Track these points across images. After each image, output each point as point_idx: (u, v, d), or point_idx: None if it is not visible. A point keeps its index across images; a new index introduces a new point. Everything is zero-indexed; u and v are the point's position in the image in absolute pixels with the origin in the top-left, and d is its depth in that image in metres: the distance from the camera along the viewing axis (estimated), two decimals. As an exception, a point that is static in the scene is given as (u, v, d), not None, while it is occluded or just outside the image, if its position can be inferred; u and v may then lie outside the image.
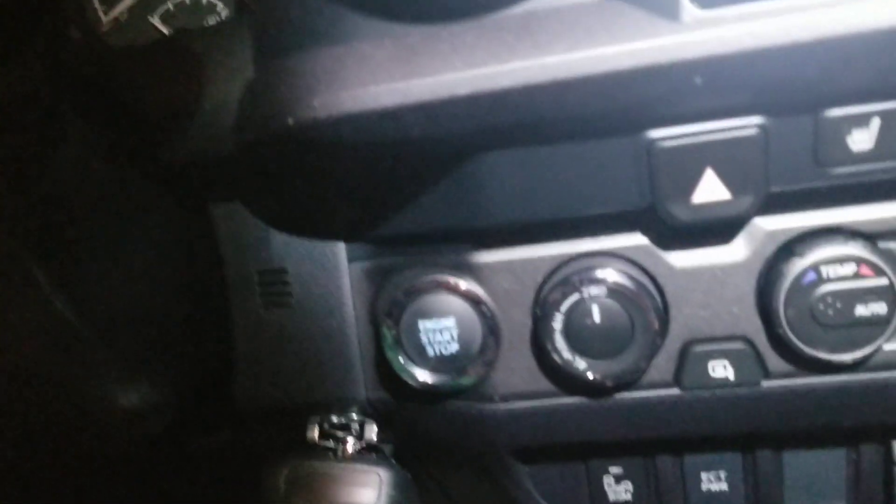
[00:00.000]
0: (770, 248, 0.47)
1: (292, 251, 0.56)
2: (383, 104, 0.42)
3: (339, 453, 0.63)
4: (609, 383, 0.49)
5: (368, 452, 0.63)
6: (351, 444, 0.63)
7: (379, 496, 0.61)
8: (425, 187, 0.49)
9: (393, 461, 0.63)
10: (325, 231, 0.55)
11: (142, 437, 0.60)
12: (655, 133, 0.44)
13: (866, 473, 0.56)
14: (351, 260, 0.56)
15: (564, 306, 0.48)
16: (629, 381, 0.50)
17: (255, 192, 0.56)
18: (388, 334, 0.52)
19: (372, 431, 0.62)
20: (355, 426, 0.63)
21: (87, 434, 0.59)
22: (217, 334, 0.60)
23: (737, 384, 0.49)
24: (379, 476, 0.61)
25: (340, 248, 0.56)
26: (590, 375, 0.49)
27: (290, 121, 0.45)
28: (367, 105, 0.43)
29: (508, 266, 0.51)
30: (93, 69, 0.55)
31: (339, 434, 0.63)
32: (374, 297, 0.55)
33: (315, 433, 0.63)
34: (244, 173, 0.54)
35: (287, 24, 0.47)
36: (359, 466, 0.62)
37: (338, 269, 0.56)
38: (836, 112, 0.42)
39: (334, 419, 0.63)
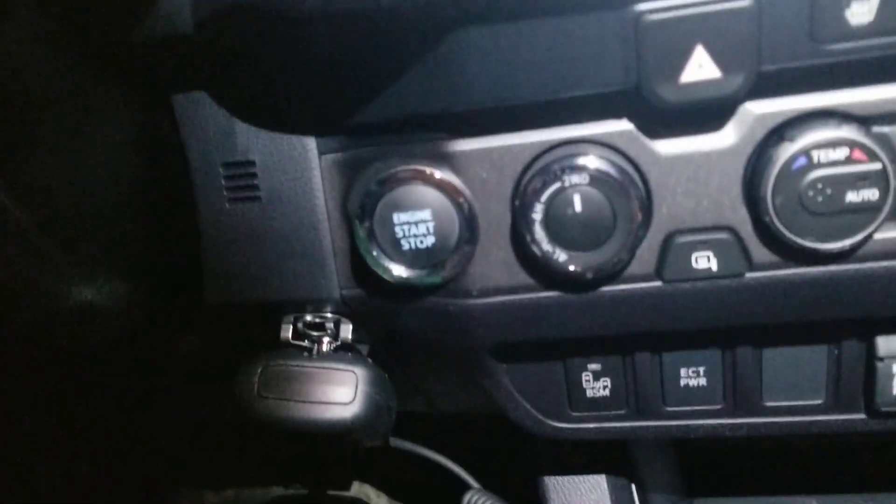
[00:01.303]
0: (759, 133, 0.45)
1: (259, 142, 0.53)
2: None
3: (314, 352, 0.62)
4: (589, 275, 0.48)
5: (343, 352, 0.62)
6: (326, 344, 0.62)
7: (355, 394, 0.60)
8: (398, 68, 0.46)
9: (369, 360, 0.62)
10: (294, 121, 0.53)
11: (110, 335, 0.59)
12: (643, 6, 0.41)
13: (847, 369, 0.56)
14: (322, 152, 0.53)
15: (545, 196, 0.46)
16: (610, 273, 0.48)
17: (218, 79, 0.52)
18: (360, 228, 0.50)
19: (347, 331, 0.61)
20: (330, 325, 0.62)
21: (52, 332, 0.57)
22: (183, 230, 0.58)
23: (720, 276, 0.48)
24: (355, 374, 0.60)
25: (310, 140, 0.53)
26: (570, 267, 0.47)
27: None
28: None
29: (486, 154, 0.48)
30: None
31: (314, 333, 0.62)
32: (346, 191, 0.53)
33: (289, 332, 0.62)
34: (205, 56, 0.50)
35: None
36: (334, 365, 0.61)
37: (308, 160, 0.53)
38: (836, -19, 0.39)
39: (308, 318, 0.61)
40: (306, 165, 0.53)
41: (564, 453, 0.76)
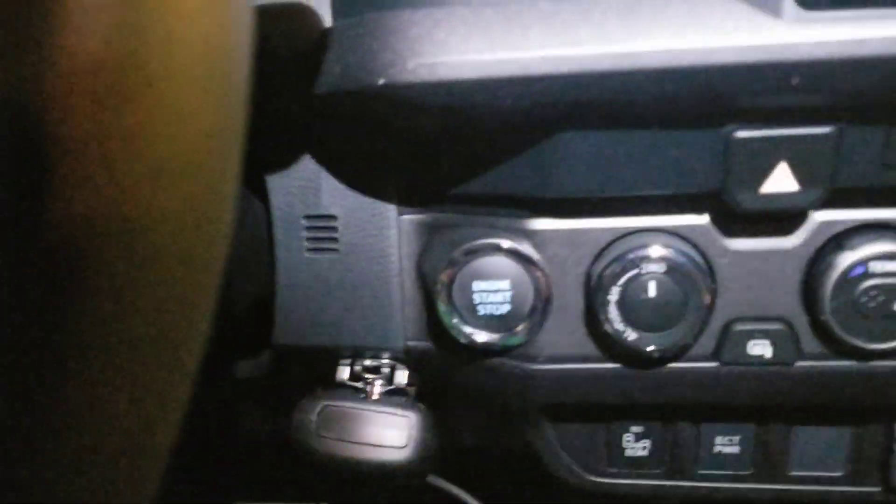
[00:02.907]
0: (820, 239, 0.50)
1: (342, 198, 0.57)
2: (480, 74, 0.43)
3: (370, 395, 0.65)
4: (656, 355, 0.52)
5: (397, 396, 0.65)
6: (378, 386, 0.66)
7: (408, 438, 0.63)
8: (498, 155, 0.50)
9: (421, 405, 0.65)
10: (379, 182, 0.56)
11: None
12: (735, 126, 0.45)
13: (867, 448, 0.61)
14: (401, 212, 0.56)
15: (622, 280, 0.50)
16: (676, 353, 0.52)
17: (313, 136, 0.56)
18: (441, 291, 0.54)
19: (402, 376, 0.64)
20: (385, 370, 0.65)
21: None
22: (261, 275, 0.61)
23: (773, 362, 0.52)
24: (408, 418, 0.64)
25: (392, 200, 0.56)
26: (639, 346, 0.51)
27: (381, 80, 0.45)
28: (463, 74, 0.43)
29: (566, 235, 0.52)
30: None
31: (368, 377, 0.65)
32: (421, 250, 0.56)
33: (345, 374, 0.65)
34: (311, 121, 0.54)
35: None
36: (389, 409, 0.64)
37: (387, 219, 0.56)
38: (911, 119, 0.44)
39: (367, 362, 0.65)
40: (385, 223, 0.57)
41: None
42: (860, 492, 0.62)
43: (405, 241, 0.57)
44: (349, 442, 0.64)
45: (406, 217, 0.56)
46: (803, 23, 0.40)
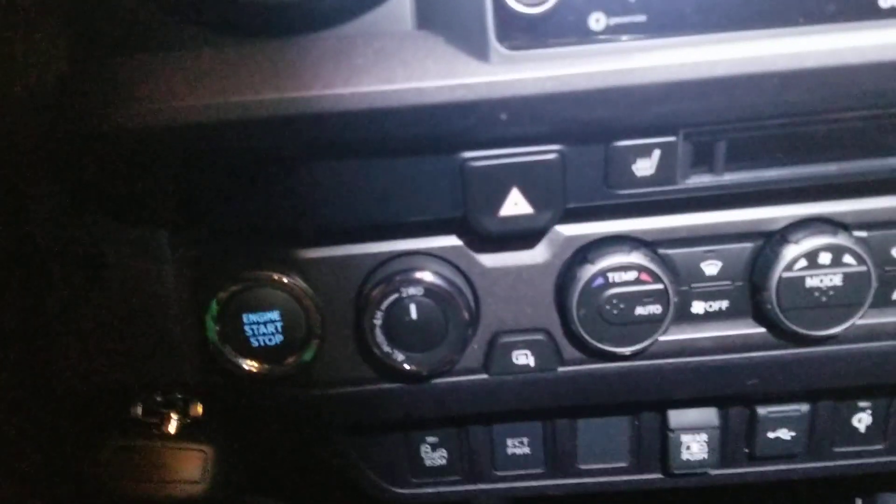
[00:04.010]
0: (567, 252, 0.53)
1: (111, 233, 0.56)
2: (195, 119, 0.43)
3: (163, 430, 0.64)
4: (425, 372, 0.54)
5: (193, 428, 0.65)
6: (175, 420, 0.65)
7: (204, 473, 0.63)
8: (247, 189, 0.50)
9: (218, 437, 0.65)
10: (147, 220, 0.55)
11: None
12: (468, 154, 0.47)
13: (646, 438, 0.65)
14: (174, 247, 0.56)
15: (384, 304, 0.52)
16: (443, 370, 0.54)
17: (70, 176, 0.54)
18: (212, 326, 0.54)
19: (197, 409, 0.64)
20: (180, 403, 0.65)
21: None
22: (33, 315, 0.59)
23: (537, 370, 0.55)
24: (204, 453, 0.63)
25: (162, 235, 0.56)
26: (407, 367, 0.53)
27: (105, 126, 0.44)
28: (178, 119, 0.43)
29: (332, 262, 0.53)
30: None
31: (164, 411, 0.65)
32: (197, 285, 0.56)
33: (139, 410, 0.64)
34: (58, 159, 0.52)
35: (107, 23, 0.46)
36: (184, 444, 0.64)
37: (160, 255, 0.56)
38: (624, 143, 0.47)
39: (159, 398, 0.64)
40: (158, 260, 0.56)
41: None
42: (643, 479, 0.67)
43: (180, 278, 0.56)
44: (145, 481, 0.63)
45: (179, 252, 0.56)
46: (507, 63, 0.42)
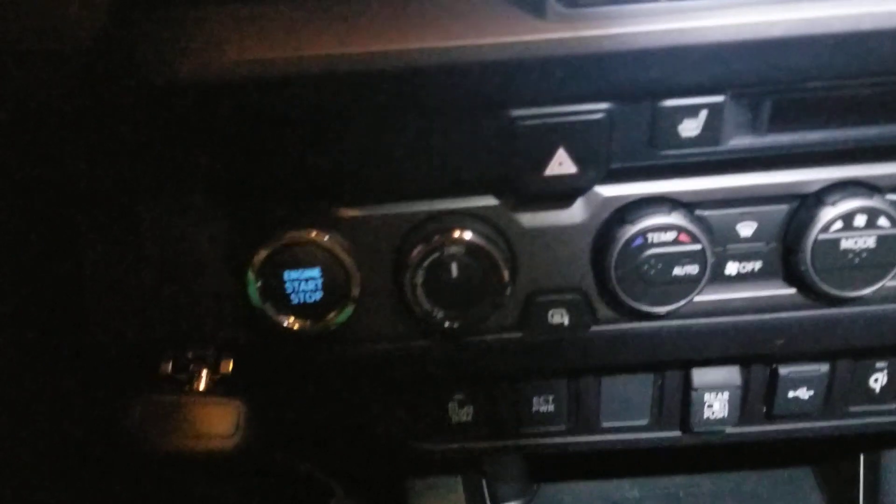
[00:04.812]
0: (605, 213, 0.53)
1: (149, 189, 0.55)
2: (259, 74, 0.43)
3: (193, 386, 0.65)
4: (463, 330, 0.54)
5: (224, 385, 0.65)
6: (204, 376, 0.65)
7: (237, 427, 0.64)
8: (303, 146, 0.50)
9: (249, 392, 0.65)
10: (187, 176, 0.55)
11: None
12: (516, 112, 0.47)
13: (668, 396, 0.66)
14: (213, 204, 0.56)
15: (426, 263, 0.52)
16: (482, 328, 0.55)
17: (112, 131, 0.54)
18: (253, 282, 0.54)
19: (227, 365, 0.65)
20: (210, 360, 0.65)
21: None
22: (68, 273, 0.59)
23: (571, 329, 0.56)
24: (234, 407, 0.64)
25: (201, 192, 0.56)
26: (446, 324, 0.54)
27: (158, 80, 0.44)
28: (242, 75, 0.43)
29: (373, 221, 0.54)
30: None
31: (194, 368, 0.65)
32: (236, 243, 0.56)
33: (169, 367, 0.65)
34: (96, 115, 0.52)
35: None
36: (216, 398, 0.64)
37: (198, 212, 0.56)
38: (672, 103, 0.47)
39: (191, 354, 0.64)
40: (195, 217, 0.56)
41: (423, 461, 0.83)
42: (663, 436, 0.68)
43: (217, 233, 0.56)
44: (178, 436, 0.63)
45: (217, 210, 0.56)
46: (564, 21, 0.42)
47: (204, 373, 0.65)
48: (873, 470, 0.85)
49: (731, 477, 0.92)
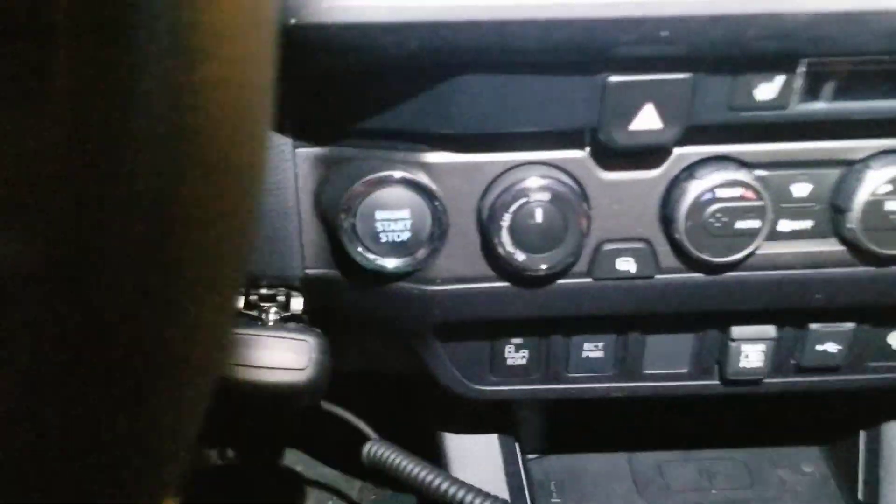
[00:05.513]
0: (675, 170, 0.58)
1: None
2: (390, 19, 0.47)
3: (263, 321, 0.69)
4: (541, 273, 0.59)
5: (293, 322, 0.69)
6: (273, 313, 0.69)
7: (308, 360, 0.68)
8: (399, 93, 0.54)
9: (317, 329, 0.69)
10: (275, 118, 0.58)
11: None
12: (611, 70, 0.52)
13: (707, 347, 0.72)
14: (297, 146, 0.59)
15: (513, 207, 0.57)
16: (558, 271, 0.59)
17: None
18: (345, 221, 0.58)
19: (298, 303, 0.68)
20: (281, 298, 0.69)
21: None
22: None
23: (636, 276, 0.61)
24: (307, 342, 0.68)
25: (288, 132, 0.59)
26: (528, 266, 0.58)
27: (293, 20, 0.47)
28: (375, 17, 0.47)
29: (461, 167, 0.58)
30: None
31: (264, 305, 0.69)
32: (319, 183, 0.60)
33: (240, 303, 0.68)
34: None
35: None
36: (288, 333, 0.68)
37: (283, 153, 0.59)
38: (752, 69, 0.52)
39: (262, 291, 0.68)
40: (281, 157, 0.60)
41: (462, 415, 0.88)
42: (701, 384, 0.74)
43: (301, 174, 0.60)
44: (249, 366, 0.67)
45: (301, 150, 0.59)
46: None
47: (273, 310, 0.69)
48: (873, 444, 0.91)
49: (742, 452, 0.98)
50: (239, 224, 0.30)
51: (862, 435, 0.92)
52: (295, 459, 1.10)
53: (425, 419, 0.91)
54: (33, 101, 0.25)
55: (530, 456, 0.95)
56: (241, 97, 0.28)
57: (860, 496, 0.92)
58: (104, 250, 0.26)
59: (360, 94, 0.55)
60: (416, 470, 0.79)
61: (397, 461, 0.82)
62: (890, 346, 0.73)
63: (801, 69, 0.52)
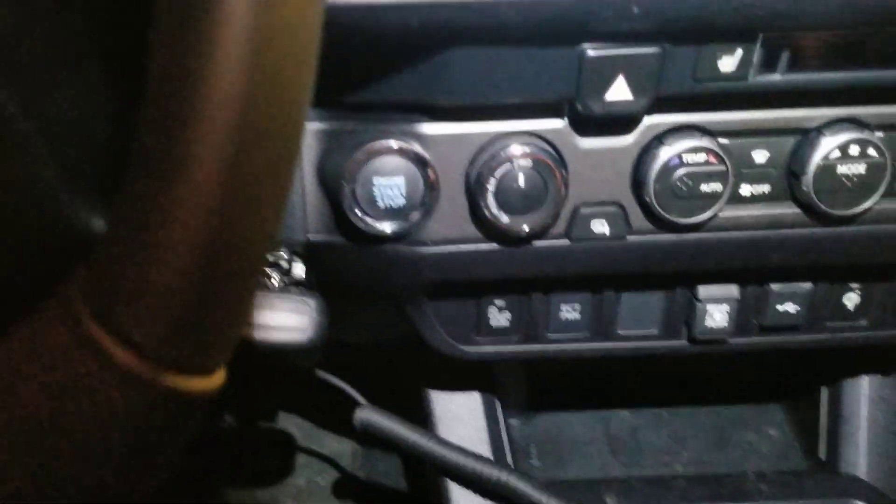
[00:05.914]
0: (646, 138, 0.64)
1: None
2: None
3: (269, 286, 0.73)
4: (523, 234, 0.64)
5: (294, 286, 0.74)
6: (276, 279, 0.74)
7: (310, 322, 0.72)
8: (394, 67, 0.59)
9: (316, 293, 0.74)
10: None
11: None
12: (587, 45, 0.57)
13: (676, 308, 0.77)
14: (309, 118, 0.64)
15: (498, 172, 0.62)
16: (539, 233, 0.65)
17: None
18: (346, 187, 0.63)
19: (299, 269, 0.73)
20: (283, 263, 0.74)
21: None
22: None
23: (609, 238, 0.67)
24: (309, 304, 0.73)
25: None
26: (513, 227, 0.64)
27: None
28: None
29: (451, 137, 0.63)
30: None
31: (267, 270, 0.74)
32: (322, 154, 0.65)
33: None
34: None
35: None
36: (290, 296, 0.73)
37: None
38: (715, 42, 0.58)
39: (268, 257, 0.73)
40: None
41: (446, 376, 0.94)
42: (670, 344, 0.80)
43: (304, 147, 0.65)
44: (257, 326, 0.72)
45: (313, 121, 0.64)
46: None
47: (275, 275, 0.74)
48: (834, 405, 0.98)
49: (711, 416, 1.05)
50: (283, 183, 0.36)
51: (823, 395, 0.98)
52: (290, 425, 1.14)
53: (412, 382, 0.96)
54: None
55: (512, 421, 1.01)
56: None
57: (822, 455, 0.99)
58: None
59: (357, 69, 0.60)
60: (406, 433, 0.85)
61: (388, 426, 0.87)
62: (846, 306, 0.79)
63: (758, 43, 0.58)
